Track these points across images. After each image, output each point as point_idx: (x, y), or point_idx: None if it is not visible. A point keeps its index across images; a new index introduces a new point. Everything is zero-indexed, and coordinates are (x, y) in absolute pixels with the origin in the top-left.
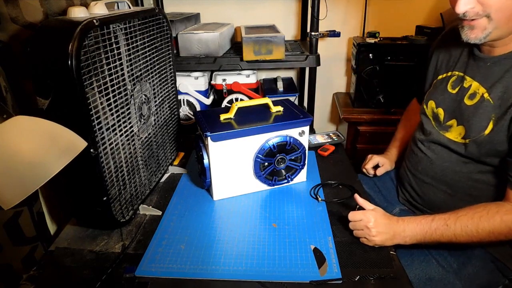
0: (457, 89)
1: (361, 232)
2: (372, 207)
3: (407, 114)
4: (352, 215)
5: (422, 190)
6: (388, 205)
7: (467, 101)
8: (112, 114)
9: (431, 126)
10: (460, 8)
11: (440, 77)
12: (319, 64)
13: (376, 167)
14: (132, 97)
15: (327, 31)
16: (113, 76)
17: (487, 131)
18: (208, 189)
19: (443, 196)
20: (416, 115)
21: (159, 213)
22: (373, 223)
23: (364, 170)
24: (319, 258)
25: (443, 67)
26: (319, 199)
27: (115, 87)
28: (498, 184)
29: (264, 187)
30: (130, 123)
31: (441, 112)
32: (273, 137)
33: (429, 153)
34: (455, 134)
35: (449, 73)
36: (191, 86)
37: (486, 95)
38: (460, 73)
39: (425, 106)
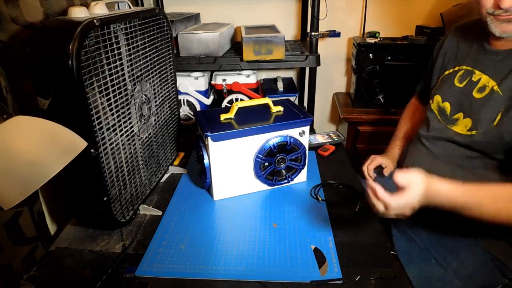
0: (464, 82)
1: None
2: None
3: (407, 113)
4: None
5: None
6: None
7: (476, 94)
8: (112, 114)
9: (437, 121)
10: (507, 4)
11: (446, 72)
12: (319, 64)
13: (376, 168)
14: (133, 97)
15: (327, 31)
16: (114, 76)
17: (495, 122)
18: (208, 189)
19: None
20: (416, 113)
21: (159, 213)
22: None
23: (364, 170)
24: (320, 258)
25: (450, 63)
26: (320, 199)
27: (116, 87)
28: (503, 180)
29: (264, 187)
30: (130, 123)
31: (447, 106)
32: (273, 137)
33: (434, 149)
34: (461, 126)
35: (456, 68)
36: (191, 86)
37: (496, 87)
38: (468, 67)
39: (431, 102)
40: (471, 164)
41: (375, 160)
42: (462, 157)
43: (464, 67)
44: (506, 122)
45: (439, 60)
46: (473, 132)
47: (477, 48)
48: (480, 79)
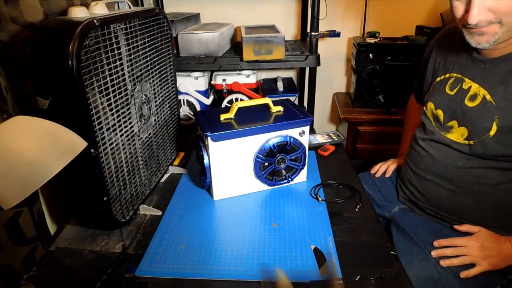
0: (455, 90)
1: (461, 258)
2: (476, 229)
3: (409, 115)
4: (452, 241)
5: (423, 188)
6: (387, 204)
7: (468, 103)
8: (112, 114)
9: (433, 127)
10: (473, 20)
11: (438, 79)
12: (319, 64)
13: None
14: (133, 97)
15: (327, 31)
16: (114, 76)
17: (492, 133)
18: (208, 189)
19: (445, 193)
20: (417, 113)
21: (159, 213)
22: (479, 248)
23: (376, 167)
24: (320, 258)
25: (440, 69)
26: (320, 199)
27: (116, 87)
28: (500, 179)
29: (264, 187)
30: (130, 123)
31: (440, 113)
32: (273, 137)
33: (431, 150)
34: (456, 135)
35: (447, 75)
36: (191, 86)
37: (488, 97)
38: (458, 74)
39: (424, 108)
40: (468, 164)
41: (391, 166)
42: (460, 158)
43: (454, 74)
44: (506, 133)
45: (430, 64)
46: (471, 142)
47: (465, 55)
48: (470, 87)
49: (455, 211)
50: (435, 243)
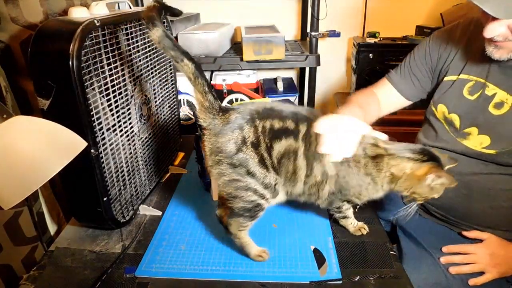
0: (476, 95)
1: (471, 266)
2: (485, 236)
3: (361, 96)
4: (462, 248)
5: None
6: (391, 207)
7: (493, 110)
8: (112, 115)
9: (446, 132)
10: (488, 34)
11: (447, 78)
12: (319, 64)
13: None
14: (133, 97)
15: (327, 31)
16: (114, 77)
17: None
18: (208, 189)
19: (458, 197)
20: (374, 101)
21: (159, 213)
22: (489, 257)
23: None
24: (319, 258)
25: (451, 67)
26: None
27: (116, 87)
28: None
29: None
30: (130, 123)
31: (455, 118)
32: None
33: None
34: (474, 142)
35: (465, 76)
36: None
37: None
38: (479, 78)
39: (434, 109)
40: (486, 170)
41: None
42: (477, 163)
43: (474, 77)
44: None
45: (433, 58)
46: (492, 152)
47: (488, 58)
48: (495, 93)
49: (465, 215)
50: (445, 249)
